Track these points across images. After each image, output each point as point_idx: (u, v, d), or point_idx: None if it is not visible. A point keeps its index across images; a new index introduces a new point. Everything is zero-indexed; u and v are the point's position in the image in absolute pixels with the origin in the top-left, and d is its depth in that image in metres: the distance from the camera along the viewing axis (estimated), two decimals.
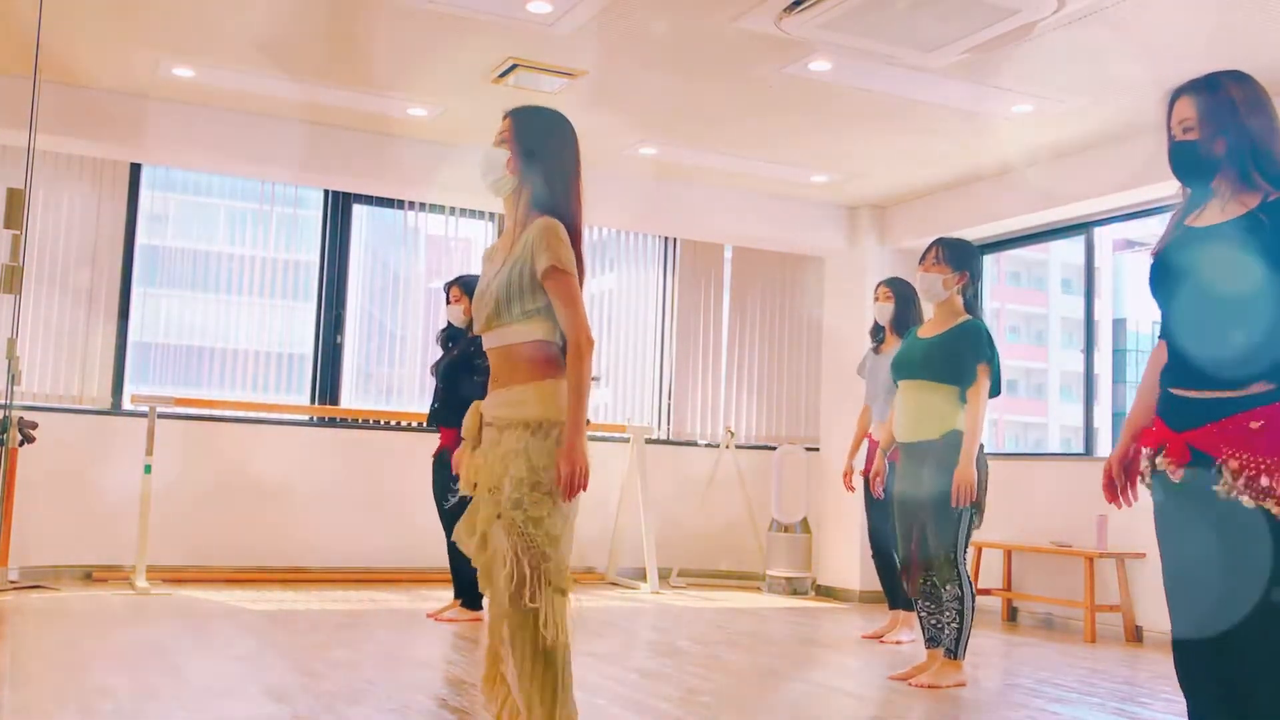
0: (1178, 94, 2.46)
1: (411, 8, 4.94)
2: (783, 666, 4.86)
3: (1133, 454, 2.47)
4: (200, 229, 7.64)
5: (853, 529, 7.54)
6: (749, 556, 8.29)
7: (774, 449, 8.23)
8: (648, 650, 5.11)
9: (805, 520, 7.89)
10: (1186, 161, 2.42)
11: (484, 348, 2.71)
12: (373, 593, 6.76)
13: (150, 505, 6.38)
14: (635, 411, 8.45)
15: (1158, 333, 2.51)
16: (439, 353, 6.03)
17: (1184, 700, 2.39)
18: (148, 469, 6.40)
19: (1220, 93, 2.39)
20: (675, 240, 8.60)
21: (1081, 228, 7.15)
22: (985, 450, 4.54)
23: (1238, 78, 2.42)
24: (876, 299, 5.83)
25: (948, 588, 4.40)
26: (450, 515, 5.61)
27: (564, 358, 2.63)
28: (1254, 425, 2.23)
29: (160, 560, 6.66)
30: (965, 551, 4.43)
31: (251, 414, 7.23)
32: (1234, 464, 2.24)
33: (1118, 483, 2.50)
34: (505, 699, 2.65)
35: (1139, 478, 2.47)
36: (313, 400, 7.52)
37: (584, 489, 2.54)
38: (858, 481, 5.99)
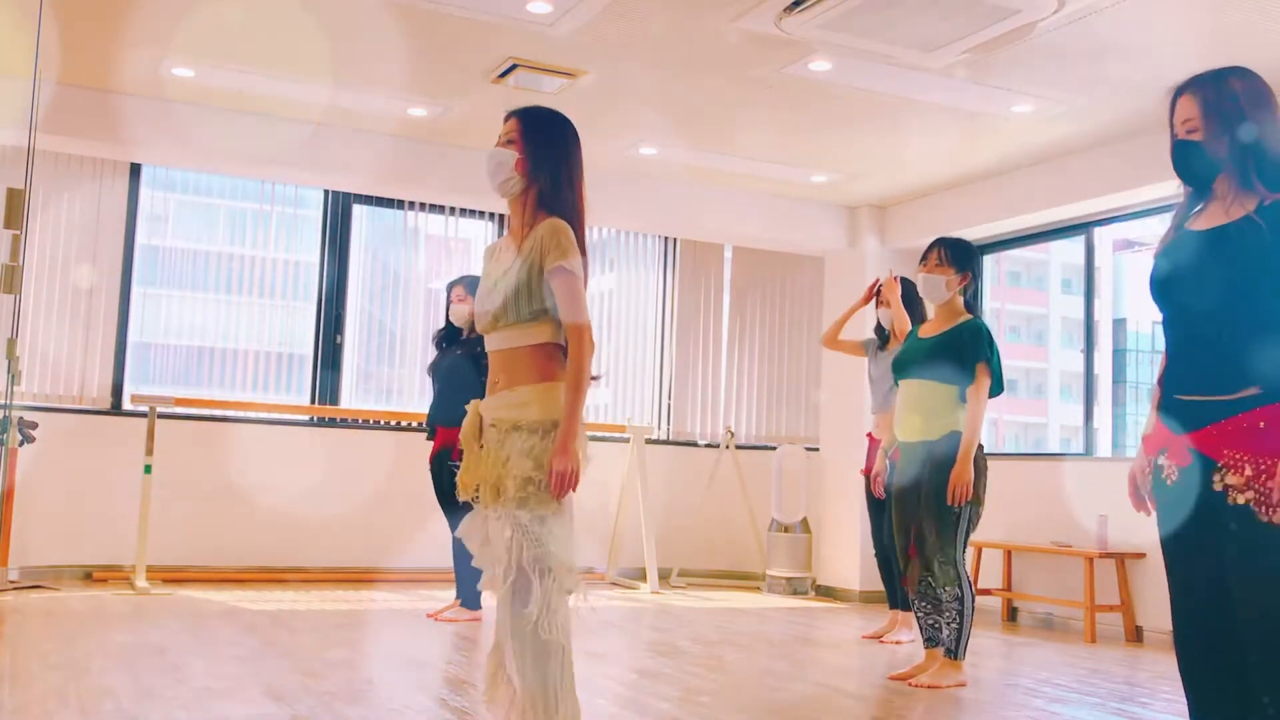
0: (1180, 91, 2.40)
1: (411, 8, 4.94)
2: (783, 666, 4.86)
3: (1147, 461, 2.46)
4: (200, 229, 7.64)
5: (853, 529, 7.55)
6: (749, 556, 8.29)
7: (774, 449, 8.23)
8: (648, 650, 5.11)
9: (805, 520, 7.89)
10: (1188, 161, 2.37)
11: (487, 348, 2.71)
12: (373, 593, 6.76)
13: (150, 505, 6.38)
14: (635, 411, 8.45)
15: (1158, 333, 2.50)
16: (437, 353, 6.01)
17: (1184, 699, 2.39)
18: (148, 469, 6.40)
19: (1224, 91, 2.33)
20: (675, 240, 8.60)
21: (1081, 228, 7.15)
22: (985, 451, 4.53)
23: (1242, 74, 2.35)
24: (879, 302, 5.81)
25: (947, 589, 4.40)
26: (455, 515, 5.60)
27: (565, 359, 2.64)
28: (1246, 426, 2.22)
29: (160, 560, 6.66)
30: (964, 552, 4.43)
31: (251, 414, 7.23)
32: (1233, 465, 2.23)
33: (1141, 491, 2.48)
34: (510, 699, 2.65)
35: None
36: (313, 400, 7.52)
37: (573, 489, 2.55)
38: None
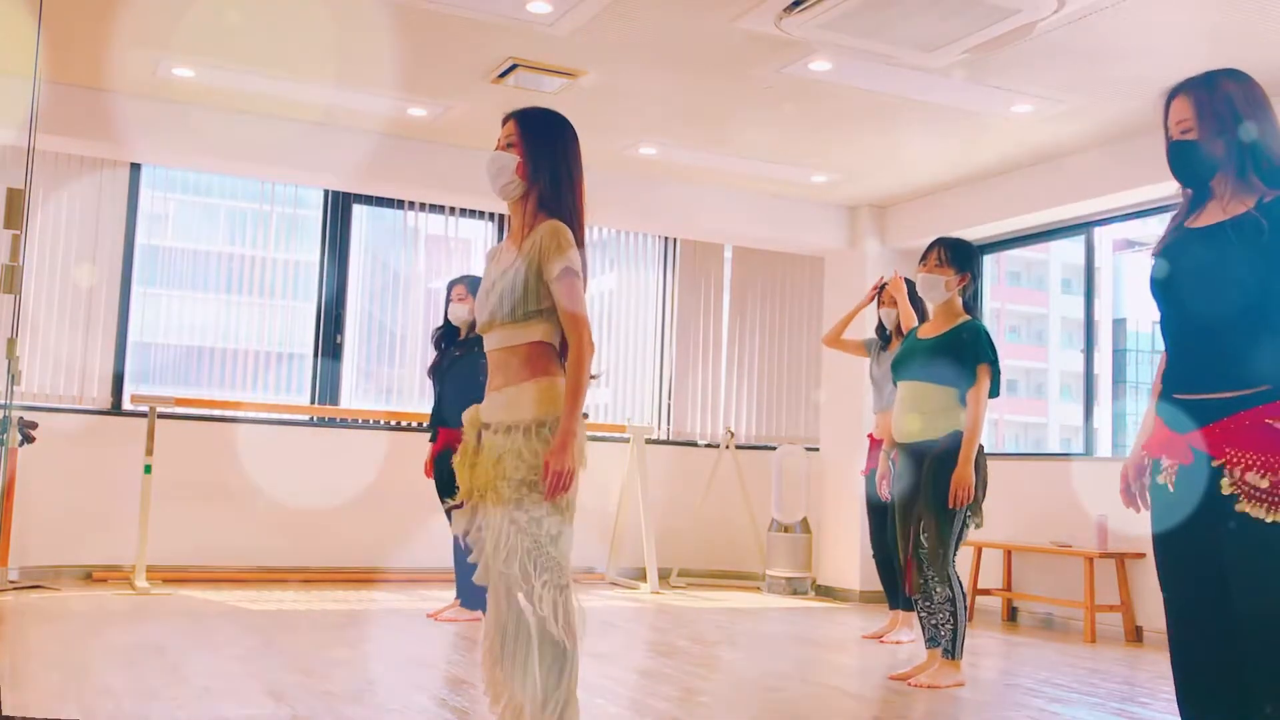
0: (1174, 93, 2.41)
1: (411, 8, 4.94)
2: (783, 666, 4.86)
3: (1144, 460, 2.47)
4: (200, 229, 7.65)
5: (852, 529, 7.55)
6: (749, 556, 8.29)
7: (774, 449, 8.23)
8: (648, 650, 5.11)
9: (805, 520, 7.89)
10: (1184, 162, 2.38)
11: (485, 348, 2.72)
12: (373, 593, 6.76)
13: (150, 505, 6.38)
14: (635, 411, 8.45)
15: (1158, 333, 2.50)
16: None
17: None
18: (148, 469, 6.40)
19: (1218, 92, 2.35)
20: (675, 240, 8.61)
21: (1081, 228, 7.15)
22: (985, 451, 4.53)
23: (1235, 76, 2.37)
24: (881, 302, 5.81)
25: (938, 589, 4.40)
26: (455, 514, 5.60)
27: (562, 359, 2.64)
28: (1249, 424, 2.22)
29: (160, 560, 6.66)
30: (956, 552, 4.43)
31: (251, 414, 7.23)
32: (1235, 464, 2.23)
33: (1133, 488, 2.49)
34: (508, 698, 2.65)
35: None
36: (313, 400, 7.52)
37: (565, 490, 2.54)
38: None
